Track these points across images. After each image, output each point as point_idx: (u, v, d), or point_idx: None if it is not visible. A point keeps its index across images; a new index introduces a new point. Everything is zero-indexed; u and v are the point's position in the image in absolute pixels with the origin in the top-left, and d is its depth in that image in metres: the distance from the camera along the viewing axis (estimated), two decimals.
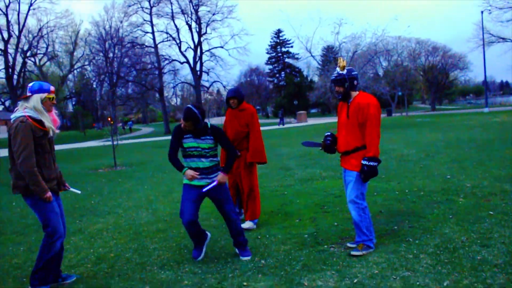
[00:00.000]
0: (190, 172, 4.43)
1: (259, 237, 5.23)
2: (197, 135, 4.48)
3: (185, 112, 4.37)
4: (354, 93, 4.44)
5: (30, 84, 3.98)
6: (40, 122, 3.84)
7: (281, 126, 43.51)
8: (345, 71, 4.41)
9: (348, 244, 4.62)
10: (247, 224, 5.63)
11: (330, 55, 39.01)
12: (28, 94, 3.91)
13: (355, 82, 4.43)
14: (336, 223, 5.55)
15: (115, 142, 15.11)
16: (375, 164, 4.22)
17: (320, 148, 4.78)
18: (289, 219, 5.98)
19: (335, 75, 4.48)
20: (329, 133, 4.73)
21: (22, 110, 3.86)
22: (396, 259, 4.09)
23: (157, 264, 4.57)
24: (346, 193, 4.52)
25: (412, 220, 5.36)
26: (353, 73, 4.44)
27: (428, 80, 63.81)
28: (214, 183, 4.52)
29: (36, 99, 3.88)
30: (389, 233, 4.93)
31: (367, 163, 4.21)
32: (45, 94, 3.93)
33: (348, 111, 4.42)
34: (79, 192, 4.63)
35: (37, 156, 3.81)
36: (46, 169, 3.91)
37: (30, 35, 49.59)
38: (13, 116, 3.88)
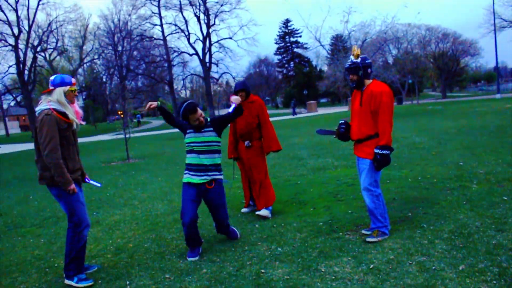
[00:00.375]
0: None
1: (274, 225, 5.31)
2: (197, 129, 4.56)
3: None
4: (368, 81, 4.47)
5: (52, 78, 4.06)
6: (64, 115, 3.95)
7: (294, 116, 43.79)
8: (359, 59, 4.44)
9: (363, 231, 4.68)
10: (263, 212, 5.72)
11: (339, 44, 38.78)
12: (51, 87, 4.00)
13: (369, 70, 4.45)
14: (350, 211, 5.60)
15: (127, 135, 15.24)
16: (388, 152, 4.26)
17: (334, 136, 4.84)
18: (303, 208, 6.04)
19: (349, 63, 4.52)
20: (343, 121, 4.78)
21: (46, 103, 3.95)
22: (411, 244, 4.14)
23: (175, 253, 4.67)
24: (360, 180, 4.57)
25: (426, 206, 5.40)
26: (367, 61, 4.46)
27: (439, 67, 63.22)
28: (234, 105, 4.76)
29: (59, 92, 3.97)
30: (403, 219, 4.97)
31: (380, 152, 4.25)
32: (68, 87, 4.03)
33: (362, 99, 4.45)
34: (99, 185, 4.70)
35: (62, 148, 3.92)
36: (70, 161, 4.03)
37: (40, 30, 49.88)
38: (38, 109, 3.98)
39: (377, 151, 4.26)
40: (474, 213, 4.90)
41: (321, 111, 51.56)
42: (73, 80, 4.14)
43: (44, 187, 4.11)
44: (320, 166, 9.55)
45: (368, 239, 4.37)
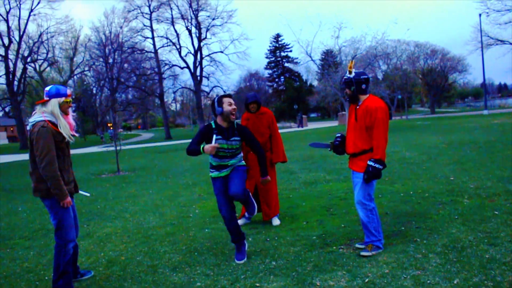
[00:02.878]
0: (209, 147, 4.42)
1: (268, 239, 5.29)
2: (227, 136, 4.61)
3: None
4: (364, 97, 4.48)
5: (47, 89, 4.03)
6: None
7: (300, 129, 45.49)
8: (352, 74, 4.47)
9: (357, 245, 4.69)
10: (275, 221, 6.00)
11: (329, 59, 39.11)
12: (46, 98, 3.97)
13: (363, 86, 4.46)
14: (343, 225, 5.61)
15: (117, 148, 15.15)
16: (380, 167, 4.28)
17: (329, 149, 4.85)
18: (296, 222, 6.04)
19: (344, 77, 4.55)
20: (339, 134, 4.81)
21: (41, 115, 3.92)
22: (406, 258, 4.15)
23: (168, 266, 4.62)
24: (354, 194, 4.58)
25: (418, 221, 5.43)
26: (361, 76, 4.45)
27: (427, 83, 63.97)
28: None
29: (54, 103, 3.95)
30: (396, 233, 4.99)
31: (372, 164, 4.27)
32: (63, 98, 4.01)
33: (357, 114, 4.48)
34: (88, 194, 4.70)
35: (58, 160, 3.90)
36: (65, 173, 4.02)
37: (31, 41, 49.76)
38: (32, 120, 3.94)
39: (370, 163, 4.28)
40: (466, 227, 4.93)
41: (311, 125, 51.82)
42: (69, 91, 4.13)
43: (33, 198, 4.12)
44: (312, 180, 9.57)
45: (362, 253, 4.37)
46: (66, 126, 4.00)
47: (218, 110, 4.60)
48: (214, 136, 4.54)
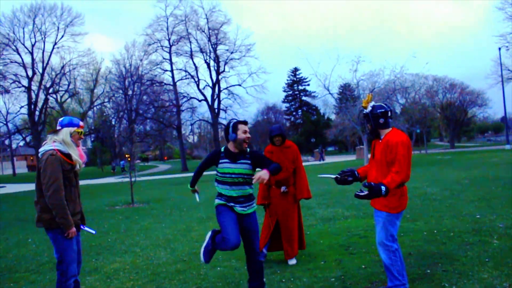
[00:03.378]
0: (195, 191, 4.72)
1: (283, 280, 4.97)
2: (234, 159, 4.39)
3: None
4: (385, 131, 4.22)
5: (61, 119, 4.09)
6: (68, 156, 3.90)
7: (321, 162, 45.82)
8: (368, 109, 4.23)
9: None
10: (291, 260, 5.70)
11: (347, 92, 38.99)
12: (58, 127, 3.99)
13: (381, 120, 4.20)
14: (363, 266, 5.26)
15: (133, 179, 15.02)
16: (383, 193, 3.92)
17: (334, 177, 4.53)
18: (313, 261, 5.70)
19: (363, 112, 4.32)
20: (348, 169, 4.50)
21: (51, 143, 3.91)
22: None
23: None
24: (376, 234, 4.27)
25: (445, 263, 5.06)
26: (378, 110, 4.19)
27: (446, 117, 63.29)
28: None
29: (65, 132, 3.96)
30: (421, 277, 4.63)
31: (383, 188, 3.90)
32: (74, 128, 4.02)
33: (376, 150, 4.23)
34: (94, 232, 4.42)
35: (64, 190, 3.83)
36: (72, 203, 3.93)
37: (53, 73, 50.98)
38: (42, 149, 3.91)
39: (382, 186, 3.93)
40: (499, 272, 4.54)
41: (329, 159, 51.37)
42: (81, 123, 4.14)
43: (43, 229, 3.90)
44: (330, 216, 9.22)
45: None
46: (78, 154, 3.99)
47: (232, 136, 4.39)
48: (197, 196, 4.76)
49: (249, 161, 4.40)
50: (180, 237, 7.99)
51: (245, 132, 4.40)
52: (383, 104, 4.28)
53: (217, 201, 4.46)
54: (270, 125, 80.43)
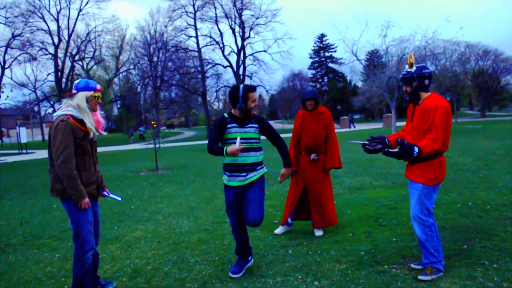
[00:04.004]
0: (233, 147, 3.90)
1: (310, 253, 4.73)
2: (241, 124, 4.14)
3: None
4: (425, 94, 3.88)
5: (76, 82, 3.78)
6: (82, 122, 3.64)
7: (352, 129, 45.74)
8: (413, 69, 3.87)
9: (413, 265, 4.08)
10: (318, 232, 5.48)
11: (375, 59, 38.00)
12: (74, 91, 3.72)
13: (426, 82, 3.86)
14: (394, 239, 4.99)
15: (157, 145, 14.93)
16: (414, 154, 3.63)
17: (362, 143, 4.18)
18: (341, 233, 5.46)
19: (403, 73, 3.95)
20: (378, 135, 4.15)
21: (64, 108, 3.66)
22: (474, 287, 3.51)
23: (197, 281, 4.15)
24: (410, 207, 3.97)
25: (482, 238, 4.74)
26: (424, 71, 3.85)
27: (478, 85, 61.26)
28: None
29: (81, 96, 3.68)
30: (458, 253, 4.34)
31: (415, 150, 3.63)
32: (91, 92, 3.73)
33: (415, 115, 3.89)
34: (119, 199, 4.25)
35: (77, 158, 3.59)
36: (85, 172, 3.69)
37: (79, 40, 50.99)
38: (55, 114, 3.69)
39: (416, 147, 3.64)
40: None
41: (357, 127, 50.64)
42: (98, 86, 3.83)
43: None
44: (358, 185, 8.92)
45: (420, 277, 3.75)
46: (92, 122, 3.72)
47: (242, 106, 4.09)
48: (239, 138, 4.04)
49: (256, 125, 4.20)
50: (204, 205, 7.84)
51: (254, 101, 4.13)
52: (426, 65, 3.94)
53: (223, 178, 4.29)
54: (295, 92, 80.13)
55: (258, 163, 4.20)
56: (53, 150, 3.52)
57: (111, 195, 4.06)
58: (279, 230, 5.64)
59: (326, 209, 5.47)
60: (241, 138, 4.05)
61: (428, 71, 3.87)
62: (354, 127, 48.82)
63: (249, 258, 4.34)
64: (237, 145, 3.92)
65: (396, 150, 3.74)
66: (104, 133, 4.00)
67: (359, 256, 4.49)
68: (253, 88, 4.16)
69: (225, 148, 3.94)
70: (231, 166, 4.16)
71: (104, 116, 4.04)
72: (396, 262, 4.26)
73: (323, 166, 5.52)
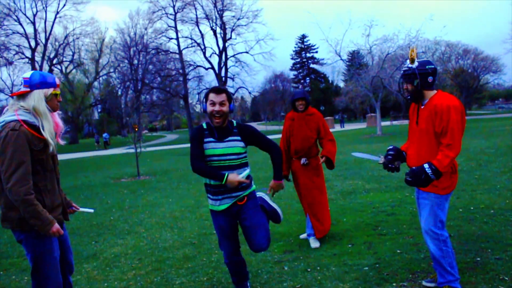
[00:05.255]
0: (235, 178, 3.27)
1: (308, 269, 4.28)
2: (219, 138, 3.44)
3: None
4: (430, 93, 3.43)
5: (27, 75, 2.83)
6: (39, 130, 2.76)
7: (342, 129, 46.60)
8: (415, 64, 3.42)
9: (425, 283, 3.65)
10: (314, 243, 5.07)
11: (356, 60, 37.83)
12: (24, 88, 2.80)
13: (430, 79, 3.41)
14: (399, 250, 4.57)
15: (138, 150, 14.36)
16: (433, 178, 3.22)
17: (380, 162, 3.76)
18: (339, 244, 5.02)
19: (404, 69, 3.51)
20: (391, 147, 3.74)
21: (13, 112, 2.76)
22: None
23: None
24: (421, 219, 3.55)
25: (495, 248, 4.34)
26: (427, 66, 3.39)
27: (458, 84, 61.75)
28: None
29: (38, 96, 2.78)
30: (472, 266, 3.93)
31: (427, 170, 3.21)
32: (51, 90, 2.85)
33: (420, 116, 3.44)
34: (91, 211, 3.64)
35: (37, 177, 2.76)
36: (49, 194, 2.85)
37: (57, 43, 50.11)
38: (1, 120, 2.76)
39: (425, 166, 3.23)
40: None
41: (338, 127, 50.48)
42: (57, 80, 2.95)
43: None
44: (350, 189, 8.52)
45: None
46: (52, 130, 2.83)
47: (203, 107, 3.46)
48: (247, 171, 3.43)
49: (238, 137, 3.47)
50: (188, 215, 7.35)
51: (212, 104, 3.39)
52: (430, 61, 3.49)
53: (209, 204, 3.63)
54: (277, 94, 79.80)
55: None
56: (2, 169, 2.65)
57: (81, 209, 3.44)
58: (315, 243, 5.11)
59: (324, 213, 5.14)
60: (218, 155, 3.41)
61: (432, 66, 3.41)
62: (343, 127, 49.25)
63: (247, 283, 3.83)
64: (239, 177, 3.31)
65: (409, 179, 3.31)
66: (62, 143, 3.06)
67: (363, 273, 4.06)
68: (214, 89, 3.47)
69: (226, 174, 3.28)
70: (214, 188, 3.49)
71: (62, 116, 3.12)
72: (405, 279, 3.83)
73: (317, 170, 5.18)
